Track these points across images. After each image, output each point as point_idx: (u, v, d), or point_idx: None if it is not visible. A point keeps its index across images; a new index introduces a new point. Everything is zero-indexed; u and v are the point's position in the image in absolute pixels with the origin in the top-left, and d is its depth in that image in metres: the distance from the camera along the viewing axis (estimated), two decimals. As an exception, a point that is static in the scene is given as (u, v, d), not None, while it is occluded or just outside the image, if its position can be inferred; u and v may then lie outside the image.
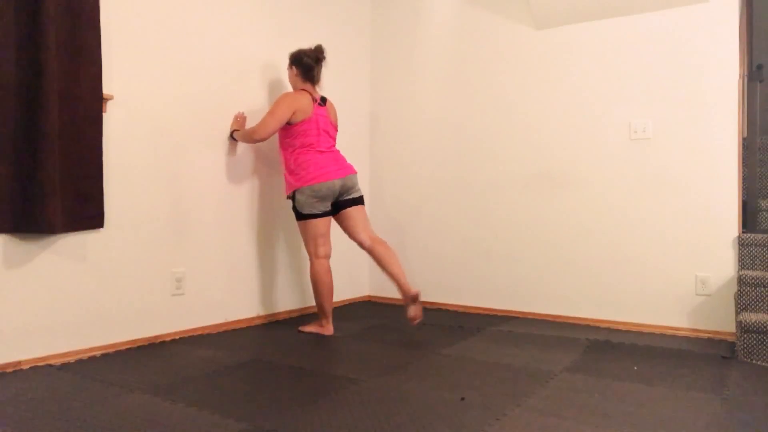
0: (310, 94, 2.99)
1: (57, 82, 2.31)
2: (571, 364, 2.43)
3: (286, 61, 3.30)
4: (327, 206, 2.94)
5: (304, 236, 2.97)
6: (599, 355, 2.61)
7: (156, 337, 2.76)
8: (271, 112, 2.88)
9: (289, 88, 3.26)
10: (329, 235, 2.99)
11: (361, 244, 3.05)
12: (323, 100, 3.05)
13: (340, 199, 3.00)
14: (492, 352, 2.64)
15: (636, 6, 3.22)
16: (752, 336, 2.51)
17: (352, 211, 3.03)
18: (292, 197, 2.95)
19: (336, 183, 2.92)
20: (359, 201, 3.07)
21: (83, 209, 2.42)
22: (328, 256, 2.98)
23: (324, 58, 3.05)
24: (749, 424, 1.75)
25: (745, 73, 3.09)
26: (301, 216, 2.93)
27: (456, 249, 3.82)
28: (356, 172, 3.05)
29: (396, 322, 3.34)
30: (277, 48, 3.40)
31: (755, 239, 2.92)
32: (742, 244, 2.95)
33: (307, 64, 3.00)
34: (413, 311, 2.93)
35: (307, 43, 3.56)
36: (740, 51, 3.02)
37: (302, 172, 2.90)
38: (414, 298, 2.92)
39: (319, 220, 2.92)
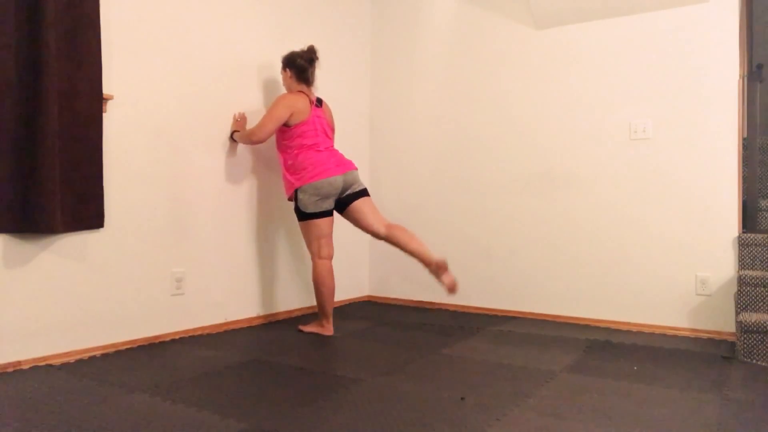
0: (307, 96, 2.99)
1: (57, 82, 2.31)
2: (571, 364, 2.43)
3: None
4: (330, 204, 2.94)
5: (306, 237, 2.96)
6: (599, 355, 2.61)
7: (156, 337, 2.76)
8: (268, 114, 2.88)
9: (287, 89, 3.26)
10: (332, 235, 2.98)
11: (376, 234, 3.01)
12: (319, 101, 3.05)
13: (344, 195, 2.99)
14: (492, 352, 2.64)
15: (636, 6, 3.22)
16: (752, 336, 2.51)
17: (359, 204, 3.02)
18: (295, 197, 2.95)
19: (338, 179, 2.92)
20: (364, 193, 3.05)
21: (83, 209, 2.42)
22: (330, 257, 2.97)
23: (317, 58, 3.05)
24: (749, 424, 1.75)
25: (745, 73, 3.09)
26: (304, 216, 2.92)
27: (456, 249, 3.82)
28: (356, 168, 3.04)
29: (396, 322, 3.34)
30: (276, 48, 3.40)
31: (755, 239, 2.92)
32: (742, 244, 2.95)
33: (300, 66, 3.00)
34: (447, 280, 2.86)
35: (307, 44, 3.55)
36: (740, 51, 3.02)
37: (302, 171, 2.90)
38: (443, 266, 2.85)
39: (322, 220, 2.91)
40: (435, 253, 2.90)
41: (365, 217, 3.01)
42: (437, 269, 2.87)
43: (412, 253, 2.92)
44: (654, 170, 3.19)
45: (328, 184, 2.89)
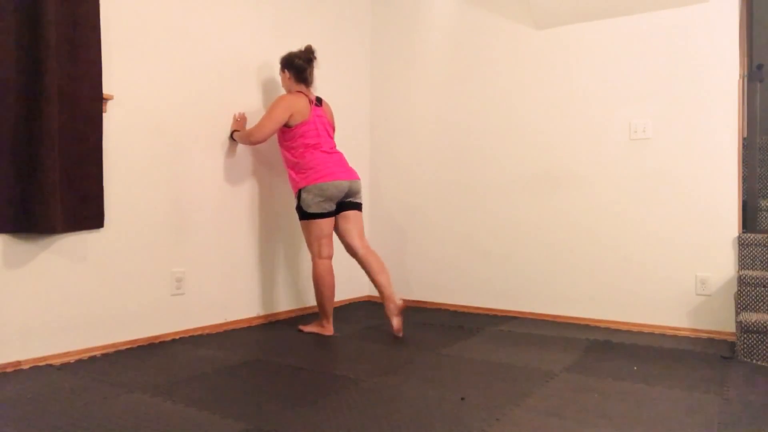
0: (306, 96, 2.99)
1: (57, 82, 2.31)
2: (571, 364, 2.43)
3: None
4: (332, 206, 2.94)
5: (307, 237, 2.96)
6: (599, 355, 2.61)
7: (156, 337, 2.76)
8: (267, 115, 2.88)
9: (287, 90, 3.26)
10: (332, 236, 2.99)
11: (354, 250, 3.02)
12: (318, 100, 3.05)
13: (345, 199, 3.00)
14: (492, 352, 2.64)
15: (636, 6, 3.22)
16: (752, 336, 2.51)
17: (352, 214, 3.03)
18: (298, 196, 2.95)
19: (344, 184, 2.92)
20: (360, 207, 3.07)
21: (83, 209, 2.42)
22: (330, 257, 2.97)
23: (315, 58, 3.05)
24: (749, 424, 1.75)
25: (745, 73, 3.09)
26: (305, 215, 2.92)
27: (456, 249, 3.82)
28: (360, 179, 3.06)
29: (396, 322, 3.34)
30: (276, 48, 3.40)
31: (755, 239, 2.92)
32: (742, 244, 2.95)
33: (299, 66, 3.01)
34: (397, 323, 2.89)
35: (307, 44, 3.55)
36: (740, 51, 3.02)
37: (309, 171, 2.90)
38: (400, 309, 2.89)
39: (323, 220, 2.91)
40: (396, 295, 2.91)
41: (352, 228, 3.02)
42: (393, 309, 2.89)
43: (377, 285, 2.94)
44: (654, 170, 3.19)
45: (334, 187, 2.89)
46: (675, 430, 1.70)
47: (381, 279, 2.93)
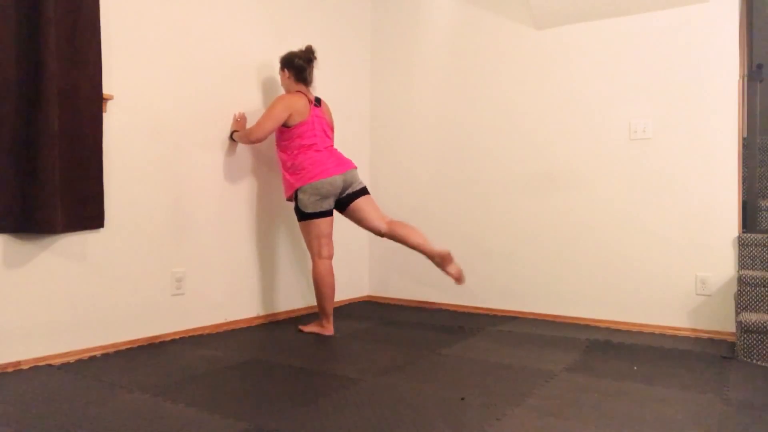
0: (306, 96, 2.99)
1: (57, 82, 2.31)
2: (571, 364, 2.43)
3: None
4: (330, 204, 2.94)
5: (306, 237, 2.96)
6: (599, 355, 2.61)
7: (156, 337, 2.76)
8: (267, 114, 2.88)
9: (287, 89, 3.26)
10: (332, 235, 2.99)
11: (378, 232, 3.03)
12: (317, 100, 3.05)
13: (344, 194, 3.00)
14: (492, 352, 2.64)
15: (636, 6, 3.22)
16: (752, 336, 2.51)
17: (360, 203, 3.03)
18: (294, 197, 2.95)
19: (337, 179, 2.92)
20: (364, 191, 3.06)
21: (83, 209, 2.42)
22: (330, 257, 2.97)
23: (315, 58, 3.05)
24: (749, 424, 1.75)
25: (745, 73, 3.09)
26: (304, 216, 2.92)
27: (456, 249, 3.82)
28: (356, 167, 3.05)
29: (396, 322, 3.34)
30: (276, 48, 3.40)
31: (755, 239, 2.92)
32: (742, 244, 2.95)
33: (299, 66, 3.01)
34: (453, 270, 2.92)
35: (307, 44, 3.55)
36: (740, 51, 3.02)
37: (302, 171, 2.90)
38: (447, 257, 2.90)
39: (322, 220, 2.91)
40: (437, 246, 2.93)
41: (367, 215, 3.02)
42: (441, 261, 2.92)
43: (414, 247, 2.96)
44: (654, 170, 3.19)
45: (329, 184, 2.89)
46: (675, 430, 1.70)
47: (415, 241, 2.95)
